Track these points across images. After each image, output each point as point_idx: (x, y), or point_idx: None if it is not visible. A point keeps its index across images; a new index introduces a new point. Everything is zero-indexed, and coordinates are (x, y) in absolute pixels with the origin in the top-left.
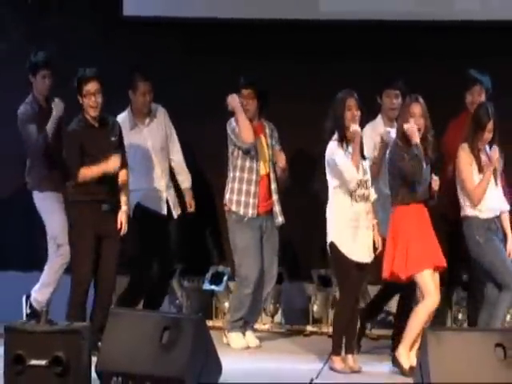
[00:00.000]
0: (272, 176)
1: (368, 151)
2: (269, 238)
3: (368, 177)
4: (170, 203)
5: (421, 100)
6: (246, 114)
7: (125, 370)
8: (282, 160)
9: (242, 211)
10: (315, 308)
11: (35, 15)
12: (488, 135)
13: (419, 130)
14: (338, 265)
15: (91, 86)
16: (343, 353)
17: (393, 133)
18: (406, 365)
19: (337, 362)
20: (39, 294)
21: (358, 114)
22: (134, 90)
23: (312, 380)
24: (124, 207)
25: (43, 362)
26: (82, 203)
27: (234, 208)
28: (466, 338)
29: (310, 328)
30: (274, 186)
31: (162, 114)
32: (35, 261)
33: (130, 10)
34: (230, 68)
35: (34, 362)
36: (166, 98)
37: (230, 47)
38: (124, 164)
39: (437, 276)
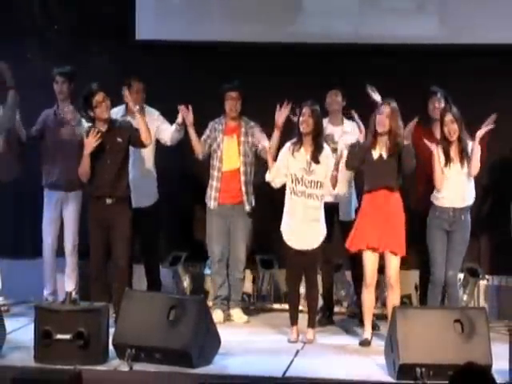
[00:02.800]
0: (242, 169)
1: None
2: (236, 226)
3: (315, 178)
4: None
5: (390, 103)
6: (234, 114)
7: (137, 343)
8: (261, 140)
9: (207, 203)
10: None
11: (57, 38)
12: (450, 126)
13: (383, 125)
14: (283, 249)
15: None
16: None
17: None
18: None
19: (291, 332)
20: (44, 290)
21: (308, 120)
22: (128, 87)
23: (298, 351)
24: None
25: (68, 337)
26: (92, 199)
27: (206, 200)
28: (429, 315)
29: None
30: (243, 178)
31: (154, 115)
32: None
33: (142, 34)
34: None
35: (59, 336)
36: (172, 112)
37: (231, 67)
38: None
39: (391, 261)
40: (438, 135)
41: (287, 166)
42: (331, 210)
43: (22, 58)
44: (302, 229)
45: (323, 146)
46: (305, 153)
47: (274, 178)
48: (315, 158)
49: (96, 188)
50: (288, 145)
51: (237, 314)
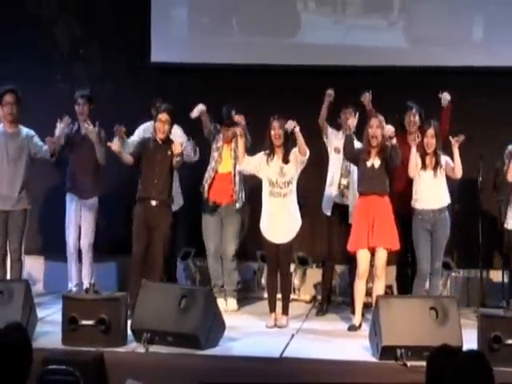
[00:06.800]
0: (233, 172)
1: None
2: (227, 222)
3: (288, 178)
4: None
5: (379, 116)
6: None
7: (152, 327)
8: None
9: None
10: (295, 281)
11: (81, 62)
12: (429, 140)
13: (376, 137)
14: (263, 244)
15: (163, 116)
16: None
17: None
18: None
19: (268, 319)
20: (69, 283)
21: (279, 132)
22: (154, 107)
23: (293, 335)
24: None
25: (91, 322)
26: (138, 200)
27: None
28: (408, 303)
29: (291, 296)
30: (234, 179)
31: (177, 130)
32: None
33: (156, 57)
34: (241, 105)
35: (84, 322)
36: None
37: (238, 87)
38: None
39: (379, 254)
40: (412, 144)
41: (261, 171)
42: (343, 211)
43: (52, 79)
44: (279, 224)
45: (291, 150)
46: (277, 160)
47: (244, 167)
48: (286, 161)
49: (144, 190)
50: (262, 154)
51: (231, 302)
